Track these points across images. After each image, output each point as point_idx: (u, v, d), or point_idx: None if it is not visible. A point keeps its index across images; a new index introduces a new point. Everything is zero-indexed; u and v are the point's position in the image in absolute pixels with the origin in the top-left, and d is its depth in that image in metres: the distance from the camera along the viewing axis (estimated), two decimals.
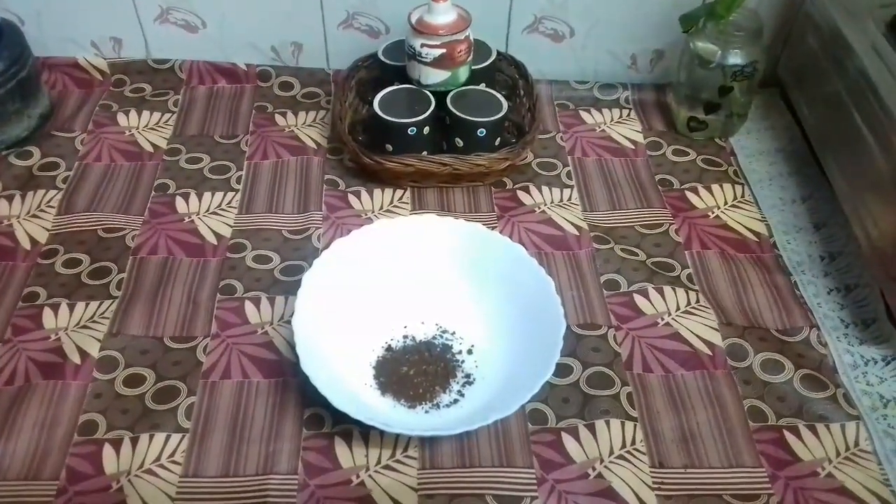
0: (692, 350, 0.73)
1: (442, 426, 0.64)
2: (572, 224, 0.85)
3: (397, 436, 0.65)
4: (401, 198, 0.88)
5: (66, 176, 0.89)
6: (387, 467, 0.63)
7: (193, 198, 0.87)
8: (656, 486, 0.63)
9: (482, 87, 0.91)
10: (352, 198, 0.87)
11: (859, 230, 0.77)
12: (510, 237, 0.76)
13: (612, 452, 0.65)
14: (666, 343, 0.73)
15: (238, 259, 0.80)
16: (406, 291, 0.74)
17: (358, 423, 0.61)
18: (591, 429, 0.66)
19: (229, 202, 0.86)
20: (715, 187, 0.90)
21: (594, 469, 0.63)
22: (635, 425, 0.67)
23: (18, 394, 0.67)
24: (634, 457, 0.64)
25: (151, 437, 0.65)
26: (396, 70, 0.91)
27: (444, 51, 0.85)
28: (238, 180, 0.89)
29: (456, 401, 0.68)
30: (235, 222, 0.84)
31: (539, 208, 0.87)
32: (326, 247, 0.73)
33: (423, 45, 0.85)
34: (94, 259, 0.79)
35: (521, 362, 0.68)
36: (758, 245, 0.83)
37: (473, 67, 0.90)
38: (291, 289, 0.73)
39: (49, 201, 0.86)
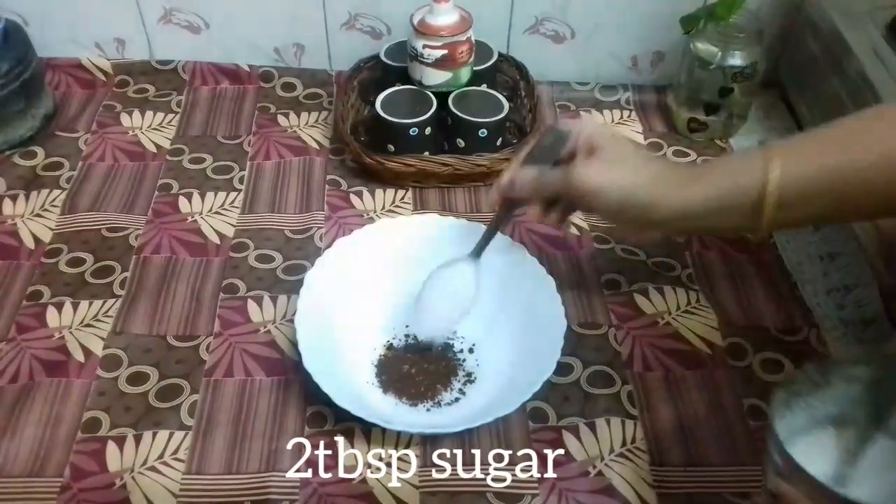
0: (692, 349, 0.73)
1: (443, 424, 0.64)
2: (573, 224, 0.85)
3: (399, 433, 0.65)
4: (402, 198, 0.88)
5: (69, 176, 0.89)
6: (389, 465, 0.64)
7: (196, 197, 0.87)
8: (656, 484, 0.63)
9: (483, 87, 0.91)
10: (354, 198, 0.88)
11: (859, 230, 0.78)
12: (511, 237, 0.77)
13: (612, 451, 0.65)
14: (666, 342, 0.73)
15: (241, 258, 0.80)
16: (407, 291, 0.75)
17: (360, 420, 0.62)
18: (592, 427, 0.66)
19: (232, 202, 0.87)
20: None
21: (595, 467, 0.64)
22: (635, 424, 0.67)
23: (22, 391, 0.68)
24: (635, 455, 0.65)
25: (154, 434, 0.65)
26: (398, 71, 0.92)
27: (445, 52, 0.85)
28: (241, 180, 0.90)
29: (457, 399, 0.68)
30: (238, 222, 0.85)
31: None
32: (328, 246, 0.74)
33: (424, 46, 0.85)
34: (97, 258, 0.80)
35: (521, 361, 0.68)
36: (758, 245, 0.84)
37: (475, 68, 0.90)
38: (293, 288, 0.74)
39: (53, 201, 0.86)
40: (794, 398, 0.48)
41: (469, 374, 0.70)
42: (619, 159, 0.62)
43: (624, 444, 0.65)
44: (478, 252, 0.70)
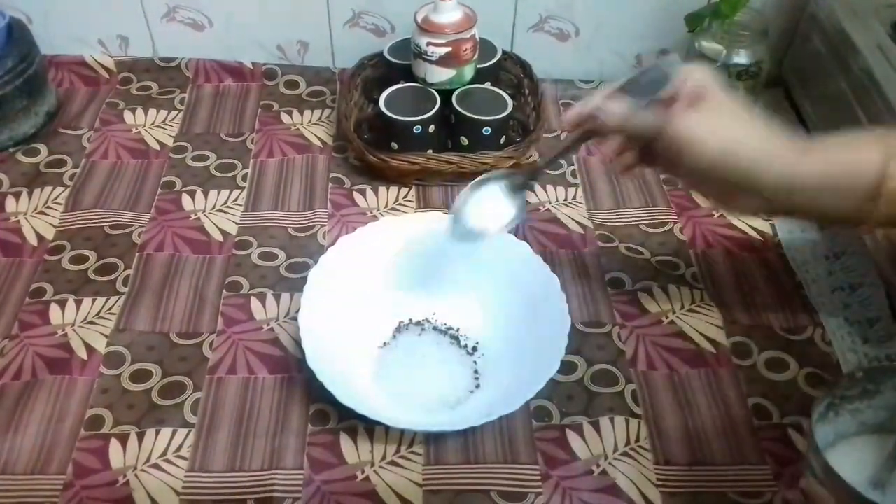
0: (697, 348, 0.73)
1: (447, 422, 0.64)
2: (577, 222, 0.85)
3: (402, 432, 0.65)
4: (406, 196, 0.88)
5: (72, 173, 0.89)
6: (392, 463, 0.64)
7: (199, 195, 0.87)
8: (661, 483, 0.63)
9: (487, 85, 0.91)
10: (357, 196, 0.88)
11: None
12: (515, 234, 0.76)
13: (616, 449, 0.65)
14: (670, 341, 0.73)
15: (244, 256, 0.80)
16: (411, 288, 0.75)
17: (363, 418, 0.62)
18: (596, 426, 0.66)
19: (235, 199, 0.87)
20: None
21: (598, 466, 0.64)
22: (640, 422, 0.67)
23: (25, 389, 0.68)
24: (639, 454, 0.65)
25: (158, 432, 0.65)
26: (402, 69, 0.92)
27: (449, 49, 0.85)
28: (244, 178, 0.90)
29: (461, 397, 0.68)
30: (241, 220, 0.84)
31: (544, 206, 0.87)
32: (332, 244, 0.73)
33: (428, 44, 0.85)
34: (100, 255, 0.80)
35: (525, 359, 0.68)
36: (762, 244, 0.83)
37: (479, 66, 0.90)
38: (297, 286, 0.74)
39: (56, 198, 0.86)
40: (840, 403, 0.49)
41: (473, 373, 0.70)
42: (727, 111, 0.56)
43: (628, 442, 0.65)
44: (533, 175, 0.70)
